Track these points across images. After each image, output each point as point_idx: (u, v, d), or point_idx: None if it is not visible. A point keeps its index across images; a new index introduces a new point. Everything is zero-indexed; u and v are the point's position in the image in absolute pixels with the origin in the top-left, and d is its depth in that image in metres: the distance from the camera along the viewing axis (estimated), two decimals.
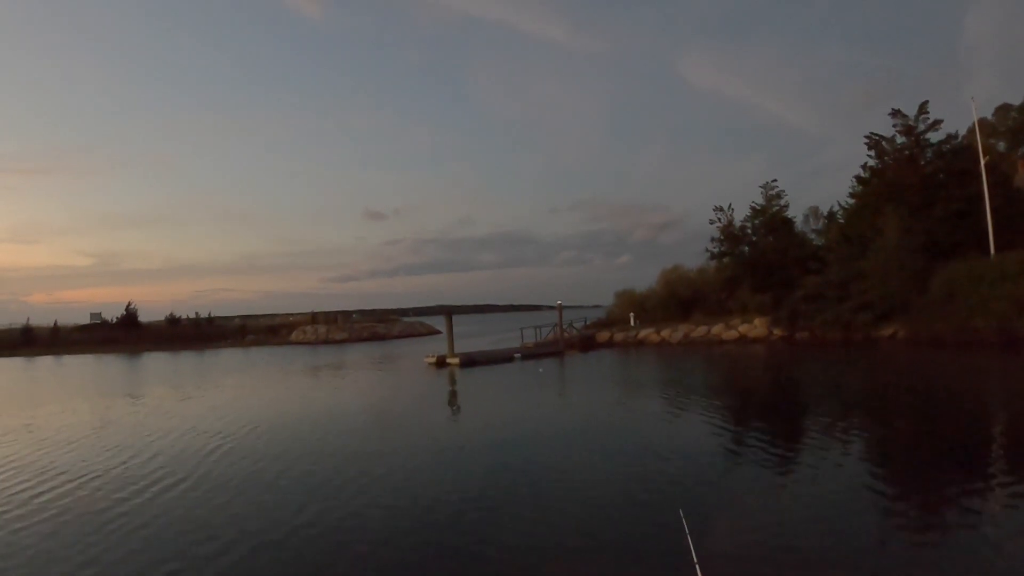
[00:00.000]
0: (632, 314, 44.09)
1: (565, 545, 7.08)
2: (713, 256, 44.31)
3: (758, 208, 42.84)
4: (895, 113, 35.71)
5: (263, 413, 18.23)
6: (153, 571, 6.89)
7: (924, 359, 23.38)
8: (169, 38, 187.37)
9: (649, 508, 8.15)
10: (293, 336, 68.88)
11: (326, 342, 64.88)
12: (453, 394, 21.86)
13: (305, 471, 11.03)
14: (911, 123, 35.43)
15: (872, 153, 37.36)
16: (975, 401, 15.21)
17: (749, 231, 43.34)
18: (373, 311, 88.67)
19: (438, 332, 70.01)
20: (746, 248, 43.03)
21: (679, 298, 43.23)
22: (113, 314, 75.35)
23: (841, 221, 39.52)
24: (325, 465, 11.34)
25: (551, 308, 44.80)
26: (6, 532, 8.50)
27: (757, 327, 36.55)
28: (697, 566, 4.98)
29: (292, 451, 12.74)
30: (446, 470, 10.76)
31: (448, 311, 38.41)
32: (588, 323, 47.37)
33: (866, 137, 37.37)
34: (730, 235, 43.48)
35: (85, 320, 76.79)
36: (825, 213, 42.22)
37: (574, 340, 40.91)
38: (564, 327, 42.27)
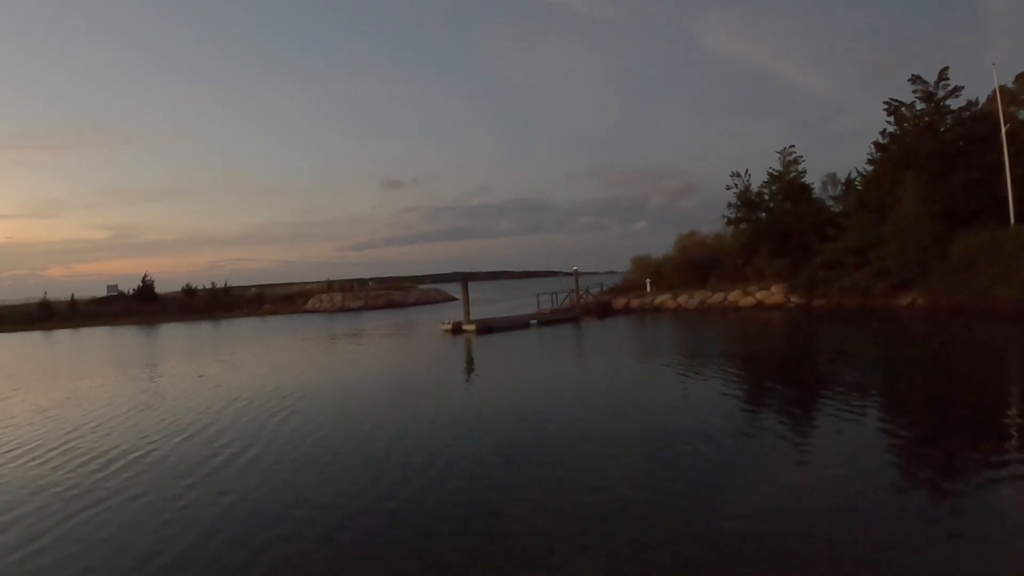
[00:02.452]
0: (649, 280, 44.59)
1: (584, 503, 7.55)
2: (730, 222, 44.64)
3: (775, 174, 42.89)
4: (915, 79, 35.49)
5: (305, 381, 18.65)
6: (238, 550, 6.81)
7: (943, 328, 23.74)
8: (183, 12, 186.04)
9: (668, 471, 8.59)
10: (309, 304, 69.63)
11: (342, 310, 65.68)
12: (471, 361, 22.42)
13: (363, 441, 11.24)
14: (931, 89, 35.23)
15: (891, 119, 37.22)
16: (994, 371, 15.50)
17: (766, 197, 43.50)
18: (389, 278, 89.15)
19: (454, 299, 70.70)
20: (763, 214, 43.30)
21: (696, 264, 43.66)
22: (130, 286, 76.22)
23: (859, 188, 39.51)
24: (381, 435, 11.67)
25: (567, 274, 45.18)
26: (77, 510, 8.38)
27: (774, 294, 36.98)
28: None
29: (346, 420, 13.00)
30: (479, 435, 11.31)
31: (464, 278, 38.81)
32: (604, 289, 47.88)
33: (885, 103, 37.23)
34: (747, 201, 43.68)
35: (102, 293, 77.83)
36: (843, 179, 42.19)
37: (590, 306, 41.48)
38: (580, 293, 42.81)
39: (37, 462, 11.17)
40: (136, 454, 11.26)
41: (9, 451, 12.13)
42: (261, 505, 8.20)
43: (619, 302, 42.77)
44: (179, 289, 77.02)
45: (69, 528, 7.79)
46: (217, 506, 8.26)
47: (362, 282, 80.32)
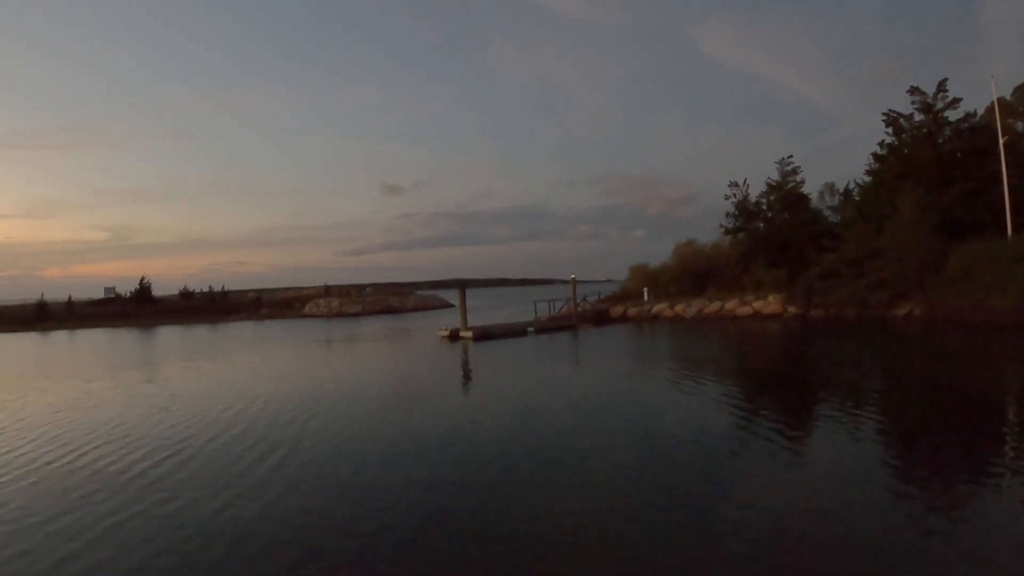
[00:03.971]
0: (646, 289, 44.41)
1: (580, 510, 7.43)
2: (728, 231, 44.64)
3: (774, 184, 42.92)
4: (913, 90, 35.65)
5: (308, 387, 18.42)
6: (309, 562, 6.52)
7: (940, 338, 23.69)
8: (181, 14, 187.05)
9: (664, 478, 8.47)
10: (307, 309, 69.51)
11: (339, 315, 65.49)
12: (468, 367, 22.25)
13: (363, 448, 11.06)
14: (929, 100, 35.35)
15: (889, 130, 37.34)
16: (990, 382, 15.37)
17: (764, 207, 43.51)
18: (387, 284, 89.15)
19: (451, 305, 70.55)
20: (761, 224, 43.25)
21: (693, 273, 43.54)
22: (127, 288, 75.89)
23: (857, 198, 39.61)
24: (380, 441, 11.46)
25: (565, 282, 45.17)
26: (115, 518, 7.95)
27: (771, 303, 36.91)
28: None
29: (345, 426, 12.79)
30: (476, 442, 11.13)
31: (462, 284, 38.70)
32: (602, 297, 47.76)
33: (884, 114, 37.38)
34: (745, 210, 43.71)
35: (99, 295, 77.34)
36: (841, 189, 42.34)
37: (588, 314, 41.30)
38: (578, 301, 42.72)
39: (67, 465, 10.78)
40: (171, 455, 10.99)
41: (37, 454, 11.74)
42: (263, 515, 7.96)
43: (616, 310, 42.66)
44: (176, 292, 76.93)
45: (107, 533, 7.52)
46: (272, 510, 8.04)
47: (360, 287, 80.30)
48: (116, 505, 8.49)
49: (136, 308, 69.69)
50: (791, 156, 43.14)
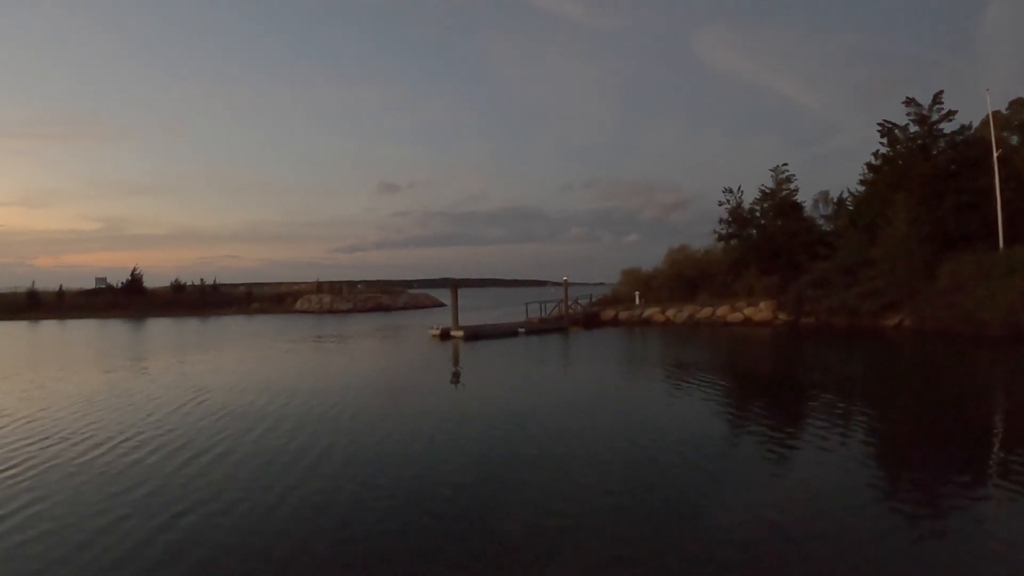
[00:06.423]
0: (638, 292, 44.37)
1: (566, 516, 7.27)
2: (721, 238, 44.63)
3: (767, 191, 42.98)
4: (909, 102, 35.68)
5: (333, 380, 18.46)
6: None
7: (929, 349, 23.73)
8: (180, 9, 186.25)
9: (650, 485, 8.34)
10: (298, 305, 69.27)
11: (330, 311, 65.44)
12: (458, 367, 22.21)
13: (347, 445, 10.80)
14: (925, 112, 35.41)
15: (884, 141, 37.35)
16: (979, 394, 15.41)
17: (758, 214, 43.54)
18: (378, 282, 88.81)
19: (443, 305, 70.33)
20: (754, 231, 43.29)
21: (685, 278, 43.49)
22: (118, 279, 75.49)
23: (851, 207, 39.68)
24: (363, 443, 11.12)
25: (557, 284, 45.08)
26: (167, 514, 7.54)
27: (762, 310, 36.85)
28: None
29: (411, 421, 12.62)
30: (462, 444, 10.86)
31: (454, 284, 38.61)
32: (593, 300, 47.70)
33: (879, 124, 37.38)
34: (738, 217, 43.73)
35: (90, 285, 76.75)
36: (835, 198, 42.42)
37: (579, 317, 41.28)
38: (569, 304, 42.65)
39: (105, 456, 10.32)
40: (207, 452, 10.51)
41: (71, 443, 11.26)
42: (323, 511, 7.70)
43: (607, 314, 42.56)
44: (168, 284, 76.36)
45: (163, 527, 7.17)
46: (334, 508, 7.77)
47: (351, 285, 80.00)
48: (167, 500, 8.09)
49: (127, 299, 69.38)
50: (786, 164, 43.33)
